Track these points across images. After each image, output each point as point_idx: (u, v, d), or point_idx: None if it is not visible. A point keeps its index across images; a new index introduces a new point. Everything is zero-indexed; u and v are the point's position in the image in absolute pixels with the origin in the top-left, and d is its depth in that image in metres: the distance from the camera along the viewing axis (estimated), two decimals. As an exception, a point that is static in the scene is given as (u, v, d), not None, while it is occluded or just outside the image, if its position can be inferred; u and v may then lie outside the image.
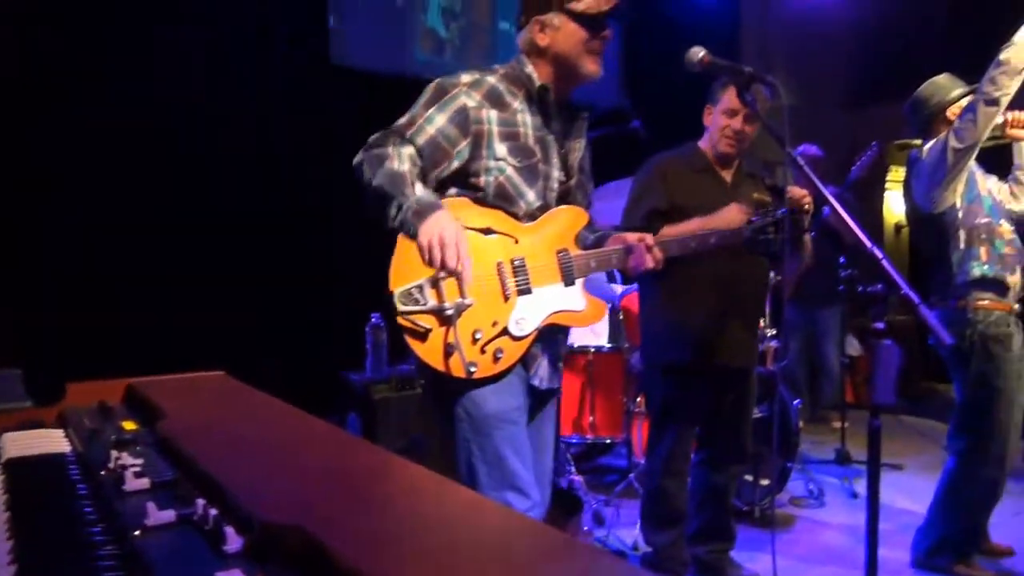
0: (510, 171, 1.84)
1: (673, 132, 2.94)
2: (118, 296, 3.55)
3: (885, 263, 1.62)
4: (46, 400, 1.41)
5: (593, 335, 4.42)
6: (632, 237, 1.96)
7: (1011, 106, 2.72)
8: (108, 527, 0.85)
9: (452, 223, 1.64)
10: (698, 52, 2.00)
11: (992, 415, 2.73)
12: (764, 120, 2.10)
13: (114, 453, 1.03)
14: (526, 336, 1.84)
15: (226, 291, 3.87)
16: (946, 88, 2.86)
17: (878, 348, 1.65)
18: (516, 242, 1.85)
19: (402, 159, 1.73)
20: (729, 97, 2.61)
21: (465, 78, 1.86)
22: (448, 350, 1.74)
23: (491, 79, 1.88)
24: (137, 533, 0.79)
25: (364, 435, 3.57)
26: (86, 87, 3.55)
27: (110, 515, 0.88)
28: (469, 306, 1.75)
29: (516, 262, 1.83)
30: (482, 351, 1.78)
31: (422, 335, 1.72)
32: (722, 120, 2.64)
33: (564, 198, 1.96)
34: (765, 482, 3.61)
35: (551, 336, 1.95)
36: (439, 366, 1.74)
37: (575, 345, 4.01)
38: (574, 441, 3.95)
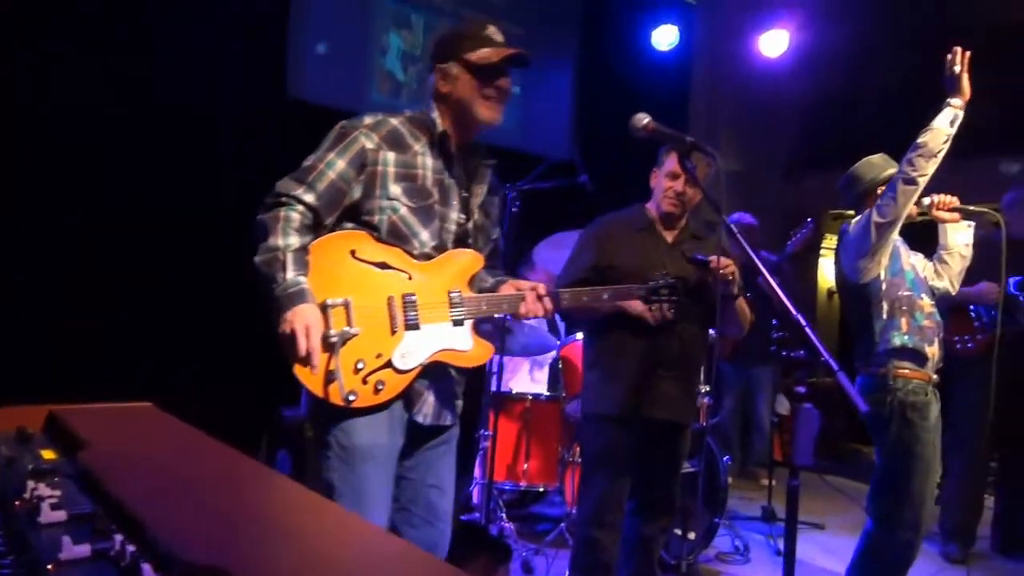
0: (404, 211, 1.90)
1: (622, 187, 3.05)
2: (43, 318, 3.43)
3: (808, 330, 1.70)
4: (-38, 424, 1.36)
5: (532, 383, 4.46)
6: (525, 284, 2.03)
7: (943, 187, 2.90)
8: (19, 560, 0.83)
9: (306, 317, 1.71)
10: (643, 119, 2.09)
11: (909, 480, 2.83)
12: (702, 187, 2.20)
13: (31, 483, 1.00)
14: (410, 370, 1.87)
15: (160, 319, 3.78)
16: (879, 167, 3.02)
17: (799, 411, 1.72)
18: (410, 278, 1.90)
19: (287, 228, 1.81)
20: (671, 161, 2.72)
21: (368, 120, 1.94)
22: (329, 377, 1.76)
23: (394, 121, 1.96)
24: (50, 567, 0.78)
25: (294, 473, 3.50)
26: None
27: (22, 547, 0.86)
28: (354, 336, 1.79)
29: (407, 298, 1.88)
30: (364, 381, 1.81)
31: (304, 359, 1.74)
32: (665, 182, 2.75)
33: (462, 240, 2.03)
34: (692, 536, 3.65)
35: (441, 374, 1.98)
36: (319, 391, 1.77)
37: (513, 391, 4.04)
38: (507, 488, 3.94)
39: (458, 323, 1.94)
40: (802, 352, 1.67)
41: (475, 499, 4.02)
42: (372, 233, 1.90)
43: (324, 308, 1.78)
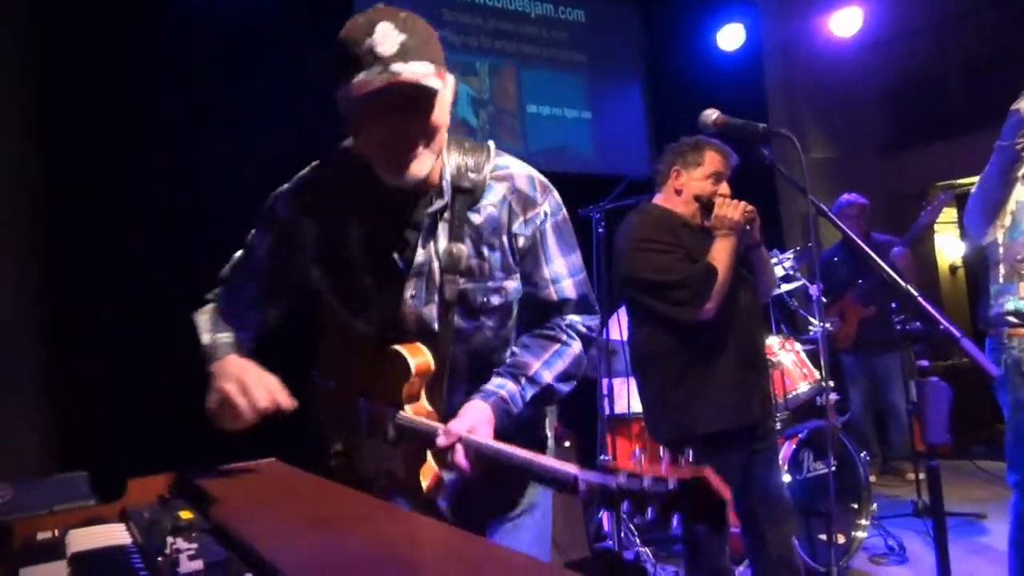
0: (330, 296, 1.54)
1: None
2: (176, 387, 3.63)
3: (921, 300, 1.60)
4: (109, 497, 1.47)
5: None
6: (463, 417, 1.39)
7: None
8: (164, 608, 0.89)
9: (237, 366, 1.45)
10: (711, 114, 2.06)
11: None
12: (785, 173, 2.11)
13: (170, 539, 1.08)
14: (370, 477, 1.56)
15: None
16: None
17: (925, 387, 1.62)
18: (372, 375, 1.53)
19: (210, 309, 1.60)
20: (713, 160, 2.52)
21: (285, 186, 1.56)
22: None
23: (315, 175, 1.53)
24: (190, 610, 0.83)
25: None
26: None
27: (167, 597, 0.92)
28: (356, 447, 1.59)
29: (365, 403, 1.54)
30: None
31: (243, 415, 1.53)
32: (708, 186, 2.53)
33: (420, 322, 1.47)
34: (841, 540, 3.47)
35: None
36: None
37: (631, 412, 3.97)
38: (636, 511, 3.86)
39: (394, 442, 1.46)
40: (918, 324, 1.58)
41: (606, 527, 3.96)
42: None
43: (311, 378, 1.64)
